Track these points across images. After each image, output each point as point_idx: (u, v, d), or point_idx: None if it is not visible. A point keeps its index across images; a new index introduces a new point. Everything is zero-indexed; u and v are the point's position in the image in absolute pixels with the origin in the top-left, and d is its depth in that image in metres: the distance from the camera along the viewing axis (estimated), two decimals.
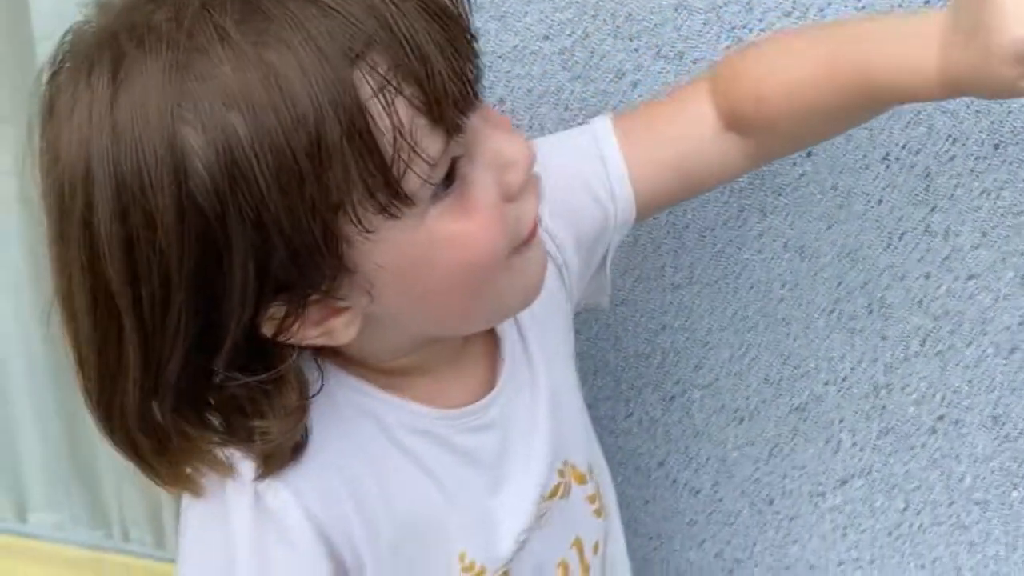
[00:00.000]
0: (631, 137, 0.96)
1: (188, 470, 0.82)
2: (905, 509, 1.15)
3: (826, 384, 1.12)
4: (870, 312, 1.08)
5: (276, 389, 0.79)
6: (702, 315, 1.13)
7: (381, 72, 0.70)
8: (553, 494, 0.94)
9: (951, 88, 0.81)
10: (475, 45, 0.76)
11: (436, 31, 0.72)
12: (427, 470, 0.89)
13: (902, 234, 1.05)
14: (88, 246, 0.72)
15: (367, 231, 0.73)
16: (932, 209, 1.04)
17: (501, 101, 1.09)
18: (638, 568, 1.21)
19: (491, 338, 0.94)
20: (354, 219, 0.72)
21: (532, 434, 0.93)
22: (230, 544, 0.83)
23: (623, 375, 1.19)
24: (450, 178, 0.76)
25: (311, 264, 0.72)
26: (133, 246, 0.71)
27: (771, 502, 1.19)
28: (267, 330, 0.75)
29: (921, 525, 1.15)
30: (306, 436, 0.82)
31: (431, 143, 0.72)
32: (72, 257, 0.74)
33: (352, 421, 0.87)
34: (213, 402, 0.79)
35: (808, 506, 1.18)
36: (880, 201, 1.04)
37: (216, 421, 0.80)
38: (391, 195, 0.72)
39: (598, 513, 1.00)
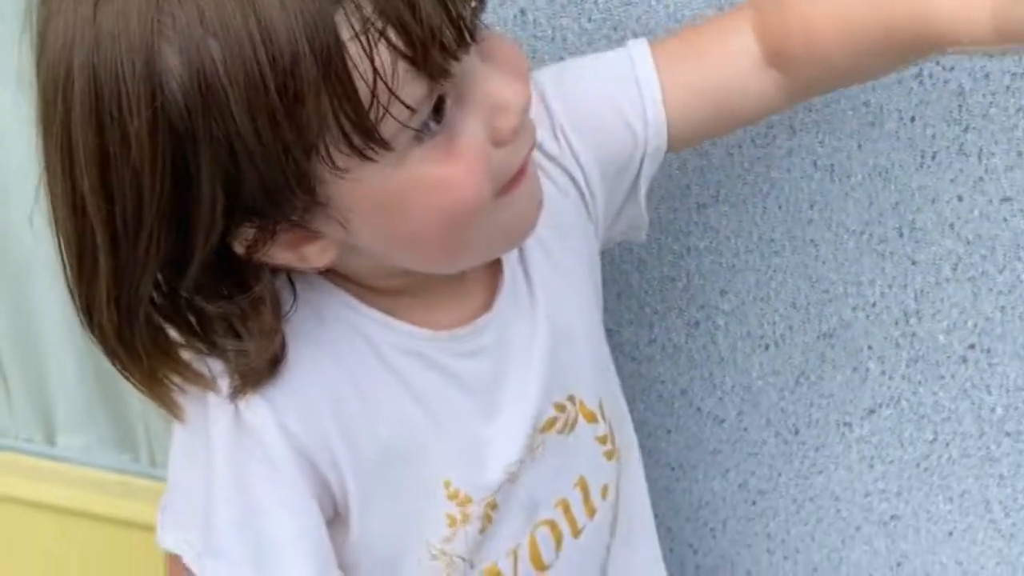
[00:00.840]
0: (669, 64, 0.92)
1: (166, 383, 0.81)
2: (934, 440, 1.13)
3: (855, 310, 1.10)
4: (901, 235, 1.05)
5: (252, 310, 0.78)
6: (728, 236, 1.10)
7: (365, 13, 0.68)
8: (549, 427, 0.92)
9: (1005, 39, 0.77)
10: None
11: None
12: (415, 393, 0.87)
13: (935, 154, 1.02)
14: (67, 151, 0.72)
15: (340, 171, 0.71)
16: (966, 128, 1.00)
17: (522, 12, 1.07)
18: (660, 498, 1.20)
19: (493, 262, 0.91)
20: (327, 160, 0.71)
21: (528, 364, 0.91)
22: (211, 464, 0.83)
23: (647, 299, 1.17)
24: (438, 118, 0.74)
25: (282, 197, 0.71)
26: (108, 161, 0.70)
27: (797, 432, 1.17)
28: (239, 248, 0.74)
29: (950, 457, 1.13)
30: (283, 351, 0.81)
31: (413, 89, 0.70)
32: (53, 157, 0.74)
33: (339, 338, 0.86)
34: (192, 319, 0.79)
35: (835, 436, 1.16)
36: (913, 119, 1.01)
37: (192, 338, 0.79)
38: (367, 139, 0.70)
39: (609, 455, 0.97)
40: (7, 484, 1.69)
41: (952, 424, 1.11)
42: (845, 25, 0.85)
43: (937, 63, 0.98)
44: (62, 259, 0.78)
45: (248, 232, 0.74)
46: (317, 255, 0.78)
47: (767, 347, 1.14)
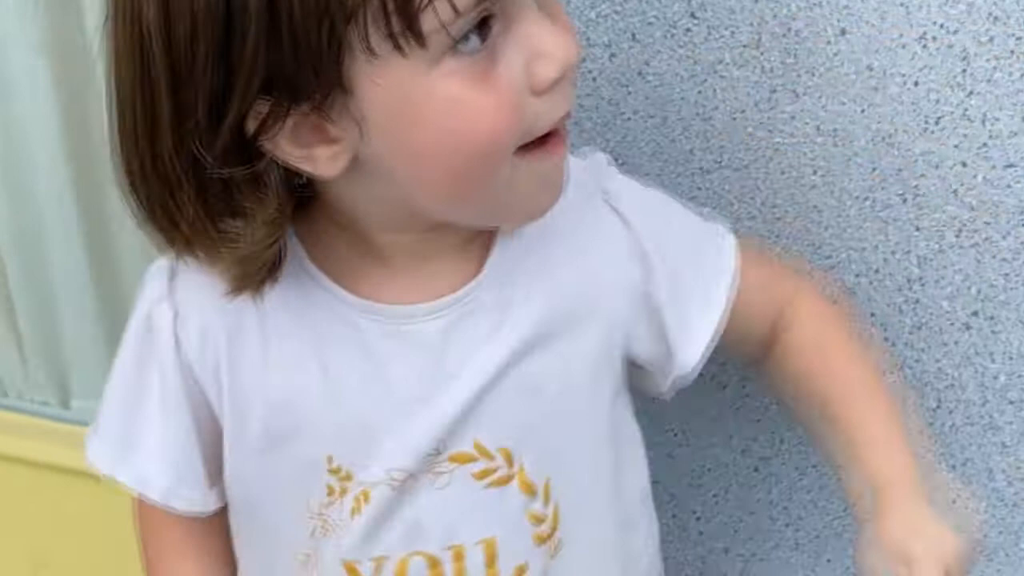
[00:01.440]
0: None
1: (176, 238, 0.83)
2: (937, 408, 1.12)
3: (857, 276, 1.09)
4: (904, 201, 1.05)
5: (251, 191, 0.78)
6: (731, 202, 1.10)
7: None
8: (464, 461, 0.89)
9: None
10: None
11: None
12: (326, 360, 0.88)
13: (939, 119, 1.01)
14: None
15: (372, 53, 0.70)
16: (969, 93, 1.00)
17: None
18: (662, 464, 1.20)
19: (471, 257, 0.90)
20: (362, 35, 0.70)
21: (459, 381, 0.88)
22: (123, 344, 0.92)
23: None
24: (481, 36, 0.73)
25: (310, 64, 0.70)
26: None
27: None
28: (250, 124, 0.74)
29: (953, 424, 1.12)
30: (279, 262, 0.83)
31: None
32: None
33: (286, 288, 0.87)
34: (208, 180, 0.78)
35: None
36: (917, 83, 1.00)
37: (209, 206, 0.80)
38: (404, 25, 0.69)
39: (540, 539, 0.93)
40: (22, 447, 1.70)
41: (955, 391, 1.11)
42: (806, 393, 0.98)
43: (941, 26, 0.97)
44: (115, 116, 0.79)
45: (263, 107, 0.73)
46: (327, 161, 0.77)
47: None
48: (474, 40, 0.72)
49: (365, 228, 0.86)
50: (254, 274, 0.84)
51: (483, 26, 0.73)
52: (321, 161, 0.77)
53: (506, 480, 0.91)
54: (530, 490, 0.92)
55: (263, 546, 0.97)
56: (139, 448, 0.93)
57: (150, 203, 0.82)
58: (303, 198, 0.85)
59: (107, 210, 1.60)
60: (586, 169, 0.94)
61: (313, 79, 0.71)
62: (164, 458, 0.92)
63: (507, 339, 0.89)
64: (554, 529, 0.93)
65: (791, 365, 0.99)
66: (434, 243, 0.87)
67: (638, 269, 0.93)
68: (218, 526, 0.98)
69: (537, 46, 0.74)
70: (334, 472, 0.90)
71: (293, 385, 0.89)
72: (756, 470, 1.21)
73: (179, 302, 0.89)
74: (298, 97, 0.73)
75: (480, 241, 0.90)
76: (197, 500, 0.95)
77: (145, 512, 0.99)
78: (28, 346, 1.71)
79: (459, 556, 0.91)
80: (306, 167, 0.78)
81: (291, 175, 0.79)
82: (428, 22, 0.70)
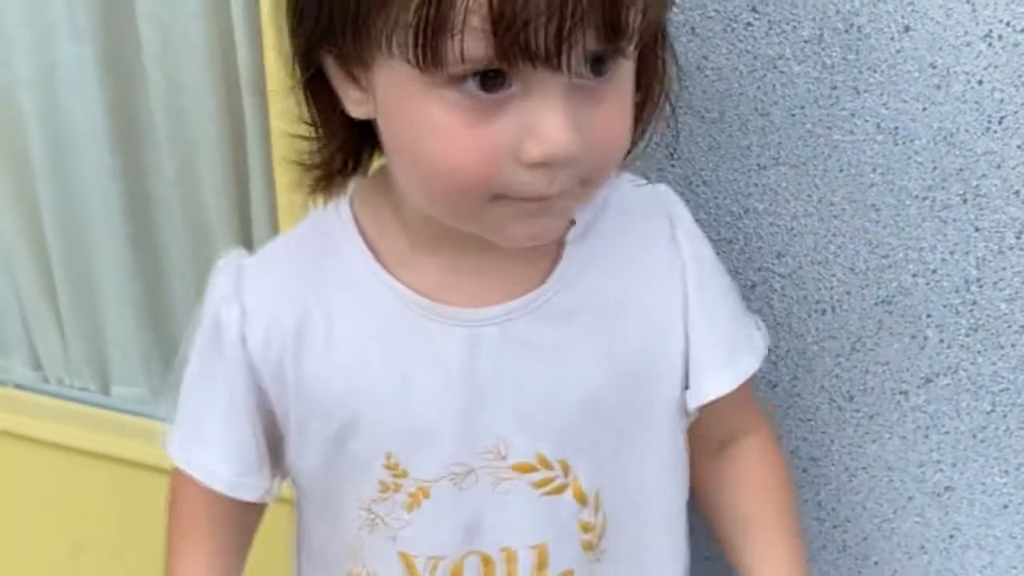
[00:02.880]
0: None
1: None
2: (991, 411, 1.11)
3: (915, 276, 1.08)
4: (964, 201, 1.04)
5: (321, 100, 0.85)
6: (788, 199, 1.09)
7: None
8: (524, 471, 0.92)
9: None
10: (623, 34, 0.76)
11: None
12: (393, 357, 0.90)
13: (1002, 118, 1.00)
14: None
15: (389, 52, 0.75)
16: None
17: None
18: None
19: (539, 260, 0.92)
20: (385, 32, 0.74)
21: (522, 390, 0.91)
22: (195, 339, 0.95)
23: None
24: (487, 88, 0.75)
25: (343, 21, 0.76)
26: None
27: (851, 399, 1.15)
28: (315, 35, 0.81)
29: (1007, 428, 1.11)
30: (354, 167, 0.90)
31: (472, 47, 0.72)
32: None
33: (338, 279, 0.91)
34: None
35: (890, 404, 1.14)
36: (980, 82, 0.99)
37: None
38: (420, 44, 0.73)
39: (588, 546, 0.96)
40: (62, 433, 1.71)
41: (1010, 395, 1.09)
42: (736, 509, 1.05)
43: (1007, 24, 0.96)
44: None
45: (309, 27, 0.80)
46: (354, 103, 0.83)
47: (823, 312, 1.13)
48: (472, 85, 0.75)
49: (409, 213, 0.89)
50: (321, 178, 0.89)
51: (493, 79, 0.74)
52: (351, 100, 0.83)
53: (561, 489, 0.93)
54: (583, 500, 0.94)
55: (320, 529, 1.00)
56: (206, 443, 0.95)
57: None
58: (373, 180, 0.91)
59: (151, 198, 1.61)
60: (653, 193, 0.98)
61: (343, 36, 0.77)
62: (229, 453, 0.94)
63: (571, 352, 0.92)
64: (600, 537, 0.96)
65: (731, 484, 1.06)
66: (487, 243, 0.87)
67: (682, 296, 0.96)
68: (246, 517, 1.01)
69: (534, 125, 0.76)
70: (390, 468, 0.91)
71: (356, 381, 0.90)
72: (805, 471, 1.20)
73: (246, 301, 0.91)
74: (334, 41, 0.78)
75: (546, 249, 0.91)
76: (259, 490, 0.97)
77: (178, 488, 1.00)
78: (69, 332, 1.71)
79: (511, 559, 0.93)
80: (341, 94, 0.83)
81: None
82: (437, 50, 0.73)
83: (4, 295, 1.75)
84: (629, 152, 0.86)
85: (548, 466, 0.92)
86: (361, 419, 0.91)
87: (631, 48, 0.78)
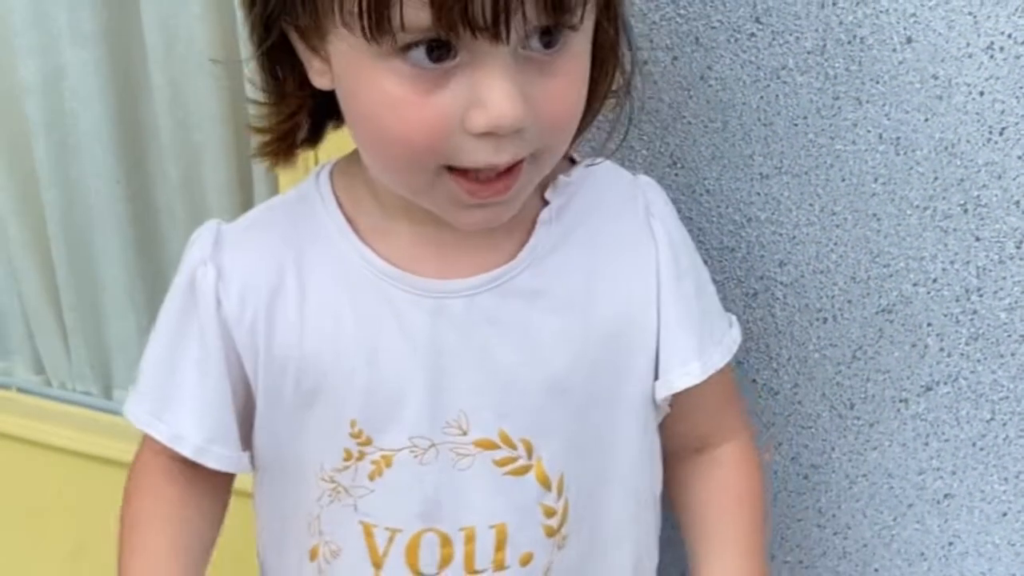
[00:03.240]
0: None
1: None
2: (991, 419, 1.12)
3: (915, 285, 1.09)
4: (965, 211, 1.04)
5: (285, 68, 0.87)
6: (790, 208, 1.10)
7: None
8: (487, 447, 0.92)
9: None
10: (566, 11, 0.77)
11: None
12: (361, 326, 0.91)
13: (1003, 129, 1.01)
14: None
15: (334, 22, 0.78)
16: None
17: None
18: None
19: (514, 239, 0.93)
20: (336, 3, 0.77)
21: (476, 360, 0.92)
22: (166, 301, 0.95)
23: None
24: (433, 58, 0.76)
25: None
26: None
27: (852, 406, 1.16)
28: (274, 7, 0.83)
29: (1007, 437, 1.12)
30: (310, 136, 0.92)
31: (413, 16, 0.74)
32: None
33: (310, 244, 0.92)
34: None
35: (890, 412, 1.15)
36: (982, 93, 1.00)
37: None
38: (360, 13, 0.75)
39: (550, 532, 0.96)
40: (64, 436, 1.71)
41: (1010, 403, 1.10)
42: (707, 512, 1.05)
43: (1009, 36, 0.97)
44: None
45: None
46: (316, 73, 0.85)
47: (825, 320, 1.13)
48: (419, 55, 0.76)
49: (388, 189, 0.89)
50: (269, 143, 0.91)
51: (438, 49, 0.76)
52: (313, 70, 0.85)
53: (524, 470, 0.93)
54: (545, 483, 0.94)
55: (280, 506, 1.00)
56: (175, 405, 0.94)
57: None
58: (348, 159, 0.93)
59: (155, 203, 1.62)
60: (632, 182, 0.99)
61: (300, 8, 0.80)
62: (200, 415, 0.93)
63: (537, 331, 0.92)
64: (563, 523, 0.96)
65: (700, 493, 1.06)
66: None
67: (655, 283, 0.96)
68: (213, 481, 0.99)
69: (480, 94, 0.77)
70: (355, 436, 0.92)
71: (325, 347, 0.91)
72: (806, 478, 1.21)
73: (223, 263, 0.92)
74: (293, 13, 0.80)
75: (520, 226, 0.92)
76: (231, 459, 0.96)
77: (140, 457, 1.02)
78: (72, 336, 1.72)
79: (470, 538, 0.94)
80: (305, 63, 0.85)
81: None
82: (382, 23, 0.75)
83: (8, 298, 1.75)
84: (581, 127, 0.88)
85: (511, 444, 0.93)
86: (329, 385, 0.91)
87: (578, 21, 0.79)
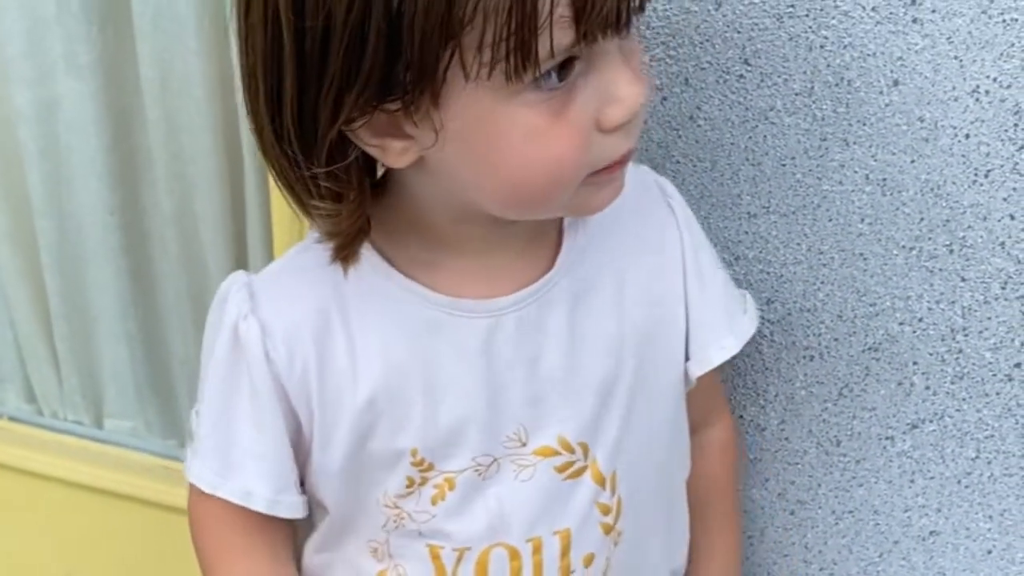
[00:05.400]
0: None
1: (309, 206, 0.86)
2: (976, 458, 1.13)
3: (901, 324, 1.10)
4: (951, 251, 1.06)
5: (346, 175, 0.82)
6: (777, 247, 1.11)
7: None
8: (547, 455, 0.94)
9: None
10: None
11: None
12: (417, 357, 0.91)
13: (988, 172, 1.02)
14: None
15: (467, 76, 0.74)
16: (1020, 147, 1.00)
17: None
18: None
19: (544, 248, 0.94)
20: (466, 58, 0.74)
21: (537, 374, 0.93)
22: (210, 365, 0.93)
23: None
24: (562, 75, 0.77)
25: (412, 72, 0.74)
26: None
27: (838, 443, 1.17)
28: (343, 115, 0.77)
29: (992, 475, 1.13)
30: (368, 227, 0.88)
31: (560, 36, 0.74)
32: None
33: (353, 287, 0.91)
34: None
35: (876, 449, 1.16)
36: (967, 136, 1.01)
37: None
38: (520, 48, 0.73)
39: (607, 529, 0.97)
40: (55, 465, 1.71)
41: (995, 442, 1.11)
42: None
43: (994, 80, 0.98)
44: (248, 81, 0.82)
45: (351, 99, 0.76)
46: (397, 154, 0.81)
47: (812, 358, 1.14)
48: (553, 79, 0.77)
49: (433, 221, 0.90)
50: (340, 248, 0.89)
51: (565, 66, 0.77)
52: (392, 153, 0.81)
53: (581, 472, 0.95)
54: (601, 481, 0.96)
55: (336, 534, 0.99)
56: (239, 463, 0.93)
57: (276, 170, 0.86)
58: (375, 190, 0.90)
59: (148, 234, 1.62)
60: (638, 168, 1.00)
61: (410, 84, 0.75)
62: (265, 469, 0.93)
63: (581, 334, 0.94)
64: (617, 519, 0.98)
65: (695, 471, 1.08)
66: (502, 236, 0.90)
67: (681, 263, 0.99)
68: (283, 527, 0.99)
69: (612, 91, 0.79)
70: (416, 464, 0.92)
71: (379, 386, 0.91)
72: (792, 514, 1.22)
73: (264, 316, 0.91)
74: (391, 95, 0.77)
75: (548, 235, 0.94)
76: (299, 506, 0.96)
77: (204, 513, 0.99)
78: (64, 365, 1.72)
79: (537, 548, 0.95)
80: (376, 154, 0.82)
81: (370, 163, 0.84)
82: (530, 56, 0.74)
83: (0, 327, 1.76)
84: None
85: (570, 449, 0.94)
86: (388, 420, 0.91)
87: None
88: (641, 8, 0.80)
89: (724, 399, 1.14)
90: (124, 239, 1.61)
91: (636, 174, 0.97)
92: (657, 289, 0.98)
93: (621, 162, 0.83)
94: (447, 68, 0.74)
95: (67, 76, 1.52)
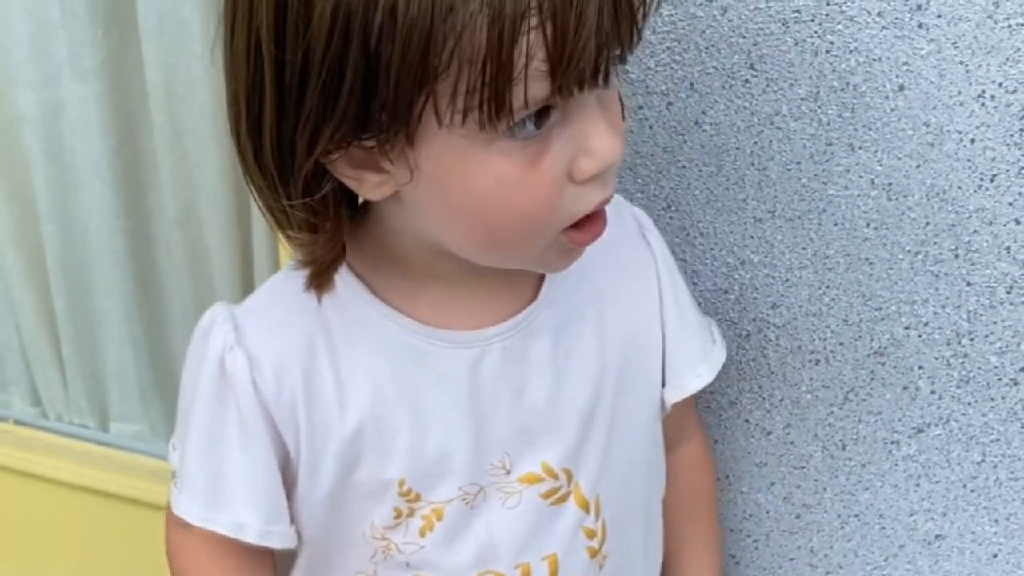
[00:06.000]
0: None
1: (291, 235, 0.87)
2: (982, 462, 1.13)
3: (907, 328, 1.10)
4: (956, 256, 1.06)
5: (322, 207, 0.83)
6: (783, 251, 1.11)
7: (538, 6, 0.71)
8: (532, 482, 0.94)
9: None
10: (637, 38, 0.78)
11: (609, 9, 0.74)
12: (401, 388, 0.91)
13: (994, 176, 1.02)
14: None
15: (441, 122, 0.74)
16: None
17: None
18: None
19: (529, 282, 0.95)
20: (438, 104, 0.73)
21: (520, 402, 0.93)
22: (195, 394, 0.92)
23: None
24: (538, 125, 0.77)
25: (387, 111, 0.74)
26: (285, 14, 0.74)
27: (844, 447, 1.17)
28: (319, 147, 0.77)
29: (997, 479, 1.13)
30: (343, 256, 0.89)
31: (536, 87, 0.73)
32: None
33: (334, 317, 0.91)
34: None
35: (882, 453, 1.16)
36: (973, 140, 1.01)
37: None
38: (493, 100, 0.73)
39: (592, 553, 0.98)
40: (60, 468, 1.71)
41: (1001, 446, 1.11)
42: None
43: (1000, 85, 0.98)
44: (231, 106, 0.83)
45: (327, 133, 0.76)
46: (373, 187, 0.81)
47: (817, 362, 1.14)
48: (530, 127, 0.76)
49: (411, 252, 0.90)
50: (314, 276, 0.89)
51: (541, 114, 0.76)
52: (368, 185, 0.81)
53: (565, 497, 0.95)
54: (585, 506, 0.96)
55: (322, 568, 0.99)
56: (228, 495, 0.92)
57: (254, 191, 0.86)
58: (356, 218, 0.90)
59: (153, 238, 1.62)
60: (618, 201, 0.99)
61: (385, 123, 0.75)
62: (255, 502, 0.92)
63: (564, 362, 0.94)
64: (602, 543, 0.98)
65: (671, 489, 1.09)
66: (480, 270, 0.90)
67: (658, 294, 1.00)
68: (268, 559, 0.99)
69: (586, 144, 0.78)
70: (404, 495, 0.92)
71: (366, 416, 0.91)
72: (798, 517, 1.22)
73: (250, 347, 0.90)
74: (367, 132, 0.76)
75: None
76: (289, 536, 0.94)
77: (186, 545, 0.98)
78: (69, 369, 1.72)
79: (526, 574, 0.95)
80: (353, 186, 0.82)
81: (348, 193, 0.84)
82: (503, 106, 0.74)
83: (5, 331, 1.76)
84: None
85: (553, 475, 0.94)
86: (375, 450, 0.91)
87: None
88: (622, 60, 0.79)
89: (697, 417, 1.15)
90: (129, 243, 1.61)
91: (612, 206, 0.95)
92: (635, 318, 0.99)
93: (591, 228, 0.83)
94: (421, 112, 0.74)
95: (72, 80, 1.52)
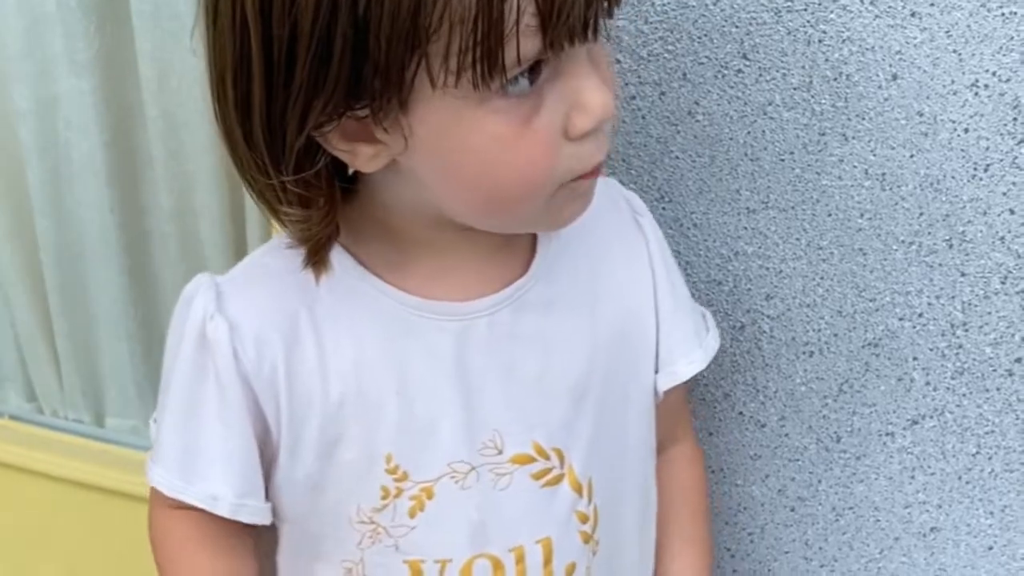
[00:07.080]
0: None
1: (279, 211, 0.85)
2: (977, 453, 1.12)
3: (901, 320, 1.09)
4: (950, 246, 1.05)
5: (316, 181, 0.82)
6: (776, 242, 1.11)
7: None
8: (524, 462, 0.93)
9: None
10: None
11: None
12: (387, 359, 0.90)
13: (987, 166, 1.02)
14: None
15: (434, 84, 0.74)
16: (1020, 141, 1.00)
17: None
18: None
19: (519, 254, 0.94)
20: (433, 65, 0.73)
21: (504, 376, 0.92)
22: (174, 364, 0.91)
23: None
24: (531, 80, 0.76)
25: (380, 78, 0.74)
26: None
27: (838, 439, 1.17)
28: (311, 120, 0.77)
29: (992, 471, 1.12)
30: (338, 232, 0.87)
31: (528, 43, 0.73)
32: None
33: (320, 289, 0.90)
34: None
35: (877, 445, 1.15)
36: (967, 130, 1.01)
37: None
38: (486, 57, 0.73)
39: (585, 538, 0.97)
40: (56, 464, 1.71)
41: (996, 437, 1.11)
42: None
43: (993, 74, 0.98)
44: (216, 87, 0.81)
45: (319, 106, 0.76)
46: (367, 159, 0.81)
47: (811, 354, 1.14)
48: (523, 83, 0.76)
49: (404, 224, 0.89)
50: (312, 253, 0.88)
51: (533, 70, 0.76)
52: (362, 158, 0.81)
53: (559, 479, 0.95)
54: (578, 489, 0.95)
55: (307, 556, 0.97)
56: (203, 466, 0.91)
57: (243, 173, 0.85)
58: (345, 193, 0.89)
59: (148, 232, 1.62)
60: (606, 183, 1.00)
61: (377, 90, 0.75)
62: (230, 472, 0.91)
63: (554, 339, 0.94)
64: (595, 528, 0.97)
65: (663, 488, 1.08)
66: (473, 241, 0.90)
67: (651, 278, 1.00)
68: (247, 539, 0.97)
69: (579, 99, 0.78)
70: (391, 472, 0.91)
71: (350, 388, 0.90)
72: (793, 510, 1.22)
73: (232, 316, 0.88)
74: (359, 100, 0.76)
75: (521, 241, 0.94)
76: (263, 512, 0.93)
77: (164, 522, 0.97)
78: (65, 364, 1.72)
79: (520, 558, 0.94)
80: (346, 159, 0.81)
81: (340, 167, 0.83)
82: (496, 64, 0.73)
83: (0, 326, 1.76)
84: None
85: (544, 455, 0.94)
86: (360, 423, 0.90)
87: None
88: (609, 14, 0.79)
89: (689, 422, 1.14)
90: (124, 237, 1.61)
91: (605, 189, 0.96)
92: (627, 301, 0.98)
93: (591, 175, 0.83)
94: (414, 75, 0.74)
95: (66, 74, 1.52)
